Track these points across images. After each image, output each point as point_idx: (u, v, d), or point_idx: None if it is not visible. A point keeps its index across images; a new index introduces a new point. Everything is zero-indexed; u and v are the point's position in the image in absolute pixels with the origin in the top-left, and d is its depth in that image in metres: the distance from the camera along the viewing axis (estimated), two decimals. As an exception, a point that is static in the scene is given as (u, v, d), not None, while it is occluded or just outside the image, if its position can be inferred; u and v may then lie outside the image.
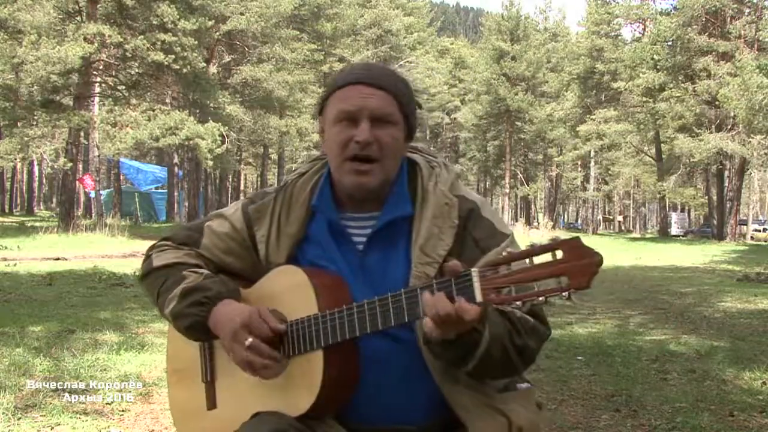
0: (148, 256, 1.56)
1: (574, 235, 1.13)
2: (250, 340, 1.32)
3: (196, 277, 1.44)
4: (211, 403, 1.49)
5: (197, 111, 25.45)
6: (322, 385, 1.31)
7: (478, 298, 1.16)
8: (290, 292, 1.38)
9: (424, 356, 1.35)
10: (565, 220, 62.67)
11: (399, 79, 1.42)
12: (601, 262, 1.10)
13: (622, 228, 57.01)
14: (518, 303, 1.14)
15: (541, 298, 1.12)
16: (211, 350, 1.50)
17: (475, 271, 1.17)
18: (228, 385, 1.46)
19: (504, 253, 1.16)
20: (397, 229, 1.41)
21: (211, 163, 24.05)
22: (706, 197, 38.18)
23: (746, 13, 31.15)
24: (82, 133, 23.44)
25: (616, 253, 20.84)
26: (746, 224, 44.69)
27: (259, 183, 45.40)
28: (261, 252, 1.48)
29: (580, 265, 1.09)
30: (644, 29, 37.77)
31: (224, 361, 1.45)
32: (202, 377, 1.51)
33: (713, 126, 30.78)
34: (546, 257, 1.12)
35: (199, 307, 1.39)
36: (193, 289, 1.41)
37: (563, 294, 1.11)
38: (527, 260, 1.13)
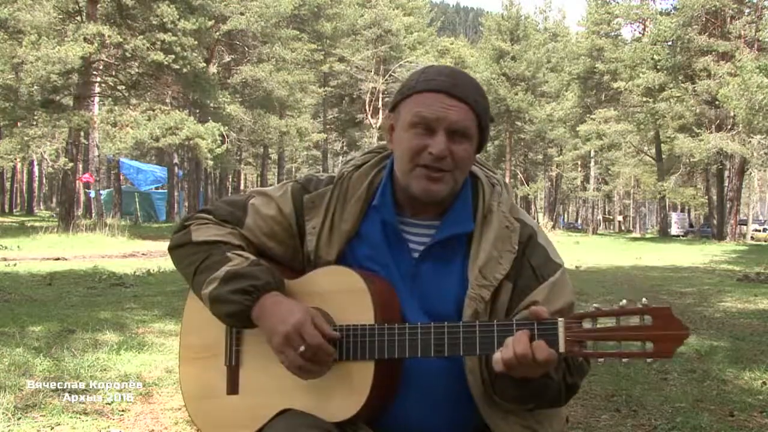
0: (185, 227, 1.48)
1: (665, 305, 1.16)
2: (303, 347, 1.28)
3: (242, 261, 1.38)
4: (232, 389, 1.44)
5: (197, 111, 25.49)
6: (368, 396, 1.30)
7: (561, 348, 1.17)
8: (343, 294, 1.35)
9: (467, 377, 1.34)
10: (565, 219, 62.67)
11: (480, 92, 1.38)
12: (688, 335, 1.14)
13: (622, 228, 57.03)
14: (601, 360, 1.16)
15: (625, 360, 1.15)
16: (238, 335, 1.44)
17: (561, 321, 1.18)
18: (255, 374, 1.42)
19: (592, 308, 1.17)
20: (455, 244, 1.39)
21: (211, 163, 24.09)
22: (706, 197, 38.18)
23: (746, 13, 31.17)
24: (82, 133, 23.45)
25: (616, 253, 20.84)
26: (746, 224, 44.68)
27: (259, 183, 45.41)
28: (310, 244, 1.43)
29: (667, 336, 1.12)
30: (644, 29, 37.79)
31: (253, 348, 1.41)
32: (225, 360, 1.45)
33: (713, 126, 30.78)
34: (633, 319, 1.14)
35: (245, 295, 1.33)
36: (239, 275, 1.35)
37: (647, 360, 1.14)
38: (614, 318, 1.15)
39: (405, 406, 1.35)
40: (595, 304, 1.18)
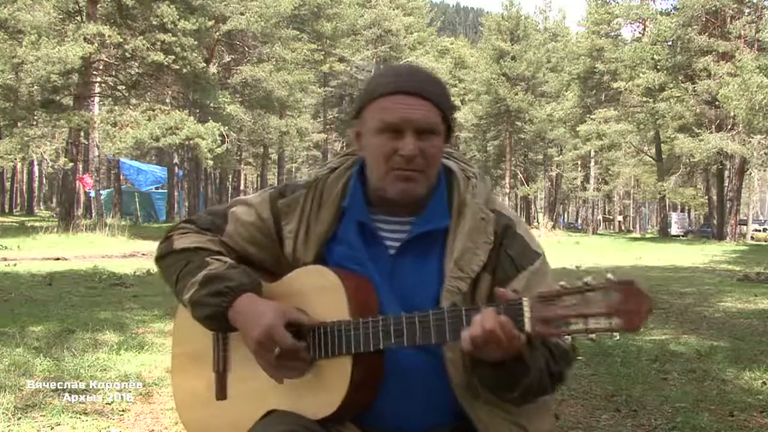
0: (168, 237, 1.52)
1: (628, 278, 1.14)
2: (278, 350, 1.30)
3: (219, 265, 1.40)
4: (221, 394, 1.46)
5: (197, 111, 25.47)
6: (348, 391, 1.30)
7: (527, 328, 1.16)
8: (320, 293, 1.36)
9: (448, 370, 1.35)
10: (565, 219, 62.66)
11: (438, 85, 1.39)
12: (653, 307, 1.13)
13: (622, 228, 57.01)
14: (568, 338, 1.15)
15: (591, 336, 1.14)
16: (225, 340, 1.47)
17: (526, 301, 1.17)
18: (241, 378, 1.44)
19: (557, 287, 1.16)
20: (431, 239, 1.39)
21: (211, 162, 24.08)
22: (706, 197, 38.17)
23: (746, 13, 31.17)
24: (82, 133, 23.44)
25: (616, 253, 20.84)
26: (746, 224, 44.69)
27: (259, 183, 45.42)
28: (288, 247, 1.45)
29: (633, 309, 1.11)
30: (644, 29, 37.77)
31: (239, 353, 1.43)
32: (214, 366, 1.47)
33: (713, 126, 30.78)
34: (598, 295, 1.14)
35: (220, 297, 1.35)
36: (215, 278, 1.37)
37: (613, 335, 1.13)
38: (580, 296, 1.14)
39: (389, 401, 1.35)
40: (561, 282, 1.18)
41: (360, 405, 1.34)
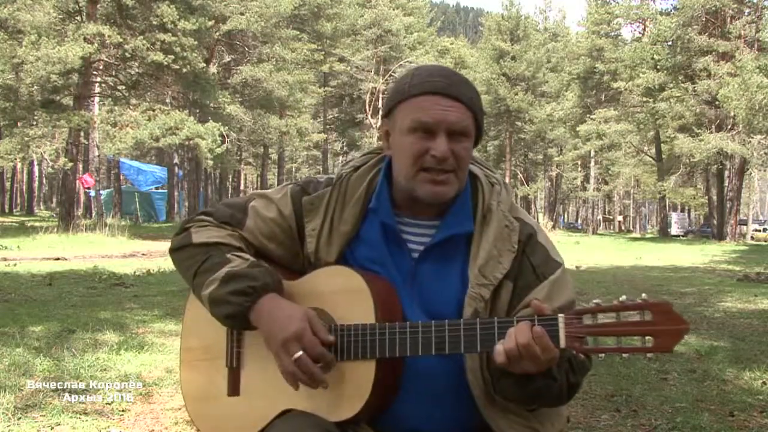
0: (185, 229, 1.48)
1: (663, 299, 1.16)
2: (300, 353, 1.28)
3: (241, 263, 1.38)
4: (233, 390, 1.44)
5: (197, 111, 25.49)
6: (370, 395, 1.30)
7: (562, 343, 1.18)
8: (344, 294, 1.35)
9: (467, 376, 1.35)
10: (565, 219, 62.66)
11: (472, 88, 1.38)
12: (688, 330, 1.15)
13: (622, 228, 57.03)
14: (601, 355, 1.17)
15: (625, 355, 1.15)
16: (239, 336, 1.44)
17: (561, 317, 1.18)
18: (256, 375, 1.42)
19: (592, 304, 1.18)
20: (454, 243, 1.39)
21: (211, 162, 24.11)
22: (706, 197, 38.18)
23: (746, 13, 31.19)
24: (82, 133, 23.46)
25: (616, 253, 20.83)
26: (746, 224, 44.70)
27: (259, 183, 45.43)
28: (309, 246, 1.44)
29: (667, 330, 1.13)
30: (644, 29, 37.80)
31: (254, 350, 1.41)
32: (227, 362, 1.45)
33: (713, 126, 30.79)
34: (633, 315, 1.16)
35: (243, 296, 1.33)
36: (238, 276, 1.35)
37: (647, 354, 1.15)
38: (614, 314, 1.16)
39: (406, 405, 1.35)
40: (595, 300, 1.19)
41: (379, 408, 1.34)
